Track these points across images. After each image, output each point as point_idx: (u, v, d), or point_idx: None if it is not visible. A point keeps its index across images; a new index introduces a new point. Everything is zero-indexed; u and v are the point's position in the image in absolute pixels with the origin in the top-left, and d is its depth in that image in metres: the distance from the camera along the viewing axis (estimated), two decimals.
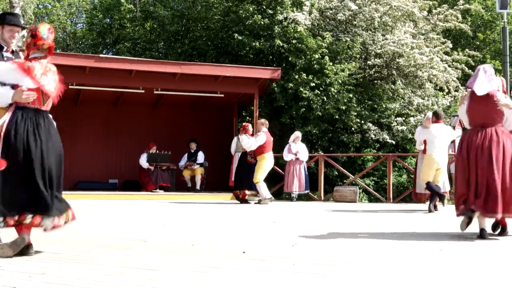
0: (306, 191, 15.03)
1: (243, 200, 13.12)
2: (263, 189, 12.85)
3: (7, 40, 5.06)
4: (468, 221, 6.27)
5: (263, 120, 13.46)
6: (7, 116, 4.63)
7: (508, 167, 6.15)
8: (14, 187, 4.54)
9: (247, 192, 13.06)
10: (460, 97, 17.29)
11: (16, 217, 4.51)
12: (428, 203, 10.96)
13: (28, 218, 4.52)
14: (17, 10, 18.76)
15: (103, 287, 3.51)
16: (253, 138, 13.04)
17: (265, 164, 12.88)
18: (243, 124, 13.83)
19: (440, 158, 10.58)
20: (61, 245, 5.14)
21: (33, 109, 4.74)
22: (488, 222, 6.44)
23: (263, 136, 12.87)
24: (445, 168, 10.91)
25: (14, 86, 4.68)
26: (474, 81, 6.44)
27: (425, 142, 10.79)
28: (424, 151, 10.81)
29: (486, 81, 6.40)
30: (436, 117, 10.84)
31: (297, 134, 15.03)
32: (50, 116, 4.91)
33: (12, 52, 5.14)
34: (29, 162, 4.60)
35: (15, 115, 4.65)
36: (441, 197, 10.59)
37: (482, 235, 6.24)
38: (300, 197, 15.25)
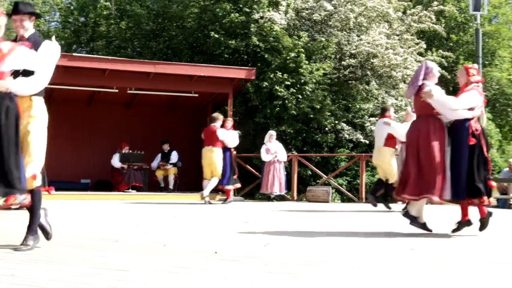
0: (285, 192, 15.03)
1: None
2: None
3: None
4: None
5: (230, 119, 13.48)
6: None
7: (423, 155, 6.48)
8: None
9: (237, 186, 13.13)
10: None
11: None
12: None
13: None
14: None
15: None
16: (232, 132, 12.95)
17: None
18: (224, 119, 13.59)
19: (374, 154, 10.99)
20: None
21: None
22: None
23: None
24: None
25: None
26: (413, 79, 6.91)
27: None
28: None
29: (416, 80, 6.73)
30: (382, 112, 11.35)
31: (271, 132, 15.01)
32: None
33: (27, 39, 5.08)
34: None
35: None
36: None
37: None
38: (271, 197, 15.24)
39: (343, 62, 19.62)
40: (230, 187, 13.04)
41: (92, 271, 4.05)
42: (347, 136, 18.62)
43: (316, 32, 19.80)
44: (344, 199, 16.92)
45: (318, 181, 17.32)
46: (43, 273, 3.94)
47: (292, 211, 11.14)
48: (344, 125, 18.70)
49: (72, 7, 27.28)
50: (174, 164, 16.61)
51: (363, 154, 16.39)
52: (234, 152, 13.26)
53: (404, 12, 21.59)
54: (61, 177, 16.25)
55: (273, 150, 14.64)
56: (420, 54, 20.95)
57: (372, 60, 19.28)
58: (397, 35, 20.75)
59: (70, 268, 4.13)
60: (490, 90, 27.26)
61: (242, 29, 19.23)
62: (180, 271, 4.10)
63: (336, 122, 18.51)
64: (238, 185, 13.39)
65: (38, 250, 4.92)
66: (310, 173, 17.57)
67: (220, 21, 19.57)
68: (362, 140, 18.59)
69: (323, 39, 19.12)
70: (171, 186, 16.47)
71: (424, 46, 21.04)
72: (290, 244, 5.70)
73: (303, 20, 20.23)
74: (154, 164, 16.79)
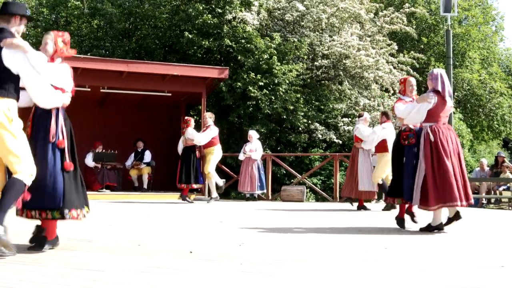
0: (263, 191, 15.03)
1: (183, 196, 13.00)
2: (214, 183, 12.83)
3: (20, 33, 4.95)
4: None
5: (209, 113, 13.46)
6: (61, 118, 4.97)
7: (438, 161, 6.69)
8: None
9: (194, 186, 12.99)
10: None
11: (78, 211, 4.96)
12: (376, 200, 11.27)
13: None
14: None
15: None
16: (206, 132, 12.93)
17: (215, 155, 12.91)
18: (185, 118, 13.70)
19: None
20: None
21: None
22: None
23: (215, 129, 12.90)
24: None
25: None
26: (442, 86, 6.89)
27: (385, 141, 10.97)
28: (381, 150, 10.98)
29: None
30: (387, 117, 11.12)
31: (249, 133, 15.04)
32: None
33: None
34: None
35: (63, 116, 5.03)
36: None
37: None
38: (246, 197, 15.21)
39: (315, 63, 19.69)
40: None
41: (65, 271, 4.00)
42: (320, 136, 18.69)
43: (288, 33, 19.84)
44: (319, 198, 16.98)
45: (292, 180, 17.35)
46: (14, 273, 3.88)
47: (267, 210, 11.14)
48: (318, 125, 18.77)
49: (42, 5, 26.96)
50: (148, 164, 16.53)
51: (337, 153, 16.45)
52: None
53: (376, 14, 21.75)
54: None
55: (248, 149, 14.67)
56: (392, 55, 21.11)
57: (344, 61, 19.37)
58: (369, 36, 20.89)
59: (42, 269, 4.08)
60: (461, 91, 27.61)
61: (215, 29, 19.21)
62: (155, 271, 4.08)
63: (310, 122, 18.57)
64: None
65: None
66: (284, 172, 17.60)
67: (193, 21, 19.52)
68: (336, 140, 18.67)
69: (296, 39, 19.16)
70: (145, 186, 16.40)
71: (396, 47, 21.20)
72: (265, 244, 5.70)
73: (276, 21, 20.27)
74: (128, 163, 16.70)
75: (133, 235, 6.32)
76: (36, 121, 4.97)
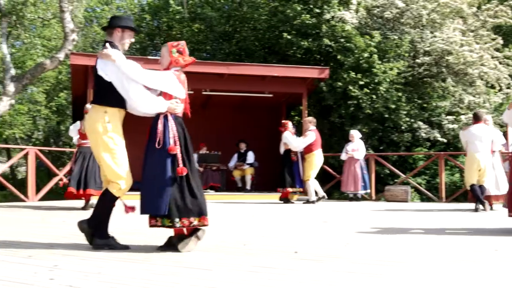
0: (366, 191, 14.86)
1: (285, 199, 13.11)
2: (312, 189, 12.84)
3: (125, 45, 5.19)
4: None
5: (310, 118, 13.47)
6: (171, 124, 5.06)
7: None
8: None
9: (289, 190, 13.03)
10: None
11: (190, 220, 4.93)
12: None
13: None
14: (67, 14, 19.10)
15: (157, 286, 3.53)
16: (301, 138, 13.03)
17: (315, 161, 12.89)
18: (282, 121, 13.75)
19: (481, 159, 10.46)
20: None
21: (180, 117, 5.19)
22: None
23: (312, 135, 12.88)
24: (490, 168, 10.72)
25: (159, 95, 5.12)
26: None
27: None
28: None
29: None
30: (475, 119, 10.78)
31: (351, 132, 14.93)
32: None
33: None
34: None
35: (174, 122, 5.10)
36: (482, 203, 10.46)
37: None
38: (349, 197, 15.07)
39: (417, 60, 19.25)
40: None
41: (174, 270, 4.09)
42: (424, 135, 18.26)
43: (388, 30, 19.51)
44: (424, 198, 16.61)
45: (396, 180, 17.06)
46: (128, 271, 4.01)
47: (371, 210, 11.02)
48: (421, 123, 18.36)
49: (145, 11, 27.78)
50: (251, 164, 16.68)
51: (442, 152, 16.06)
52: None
53: (478, 7, 21.00)
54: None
55: (350, 149, 14.55)
56: (497, 50, 20.33)
57: (447, 58, 18.83)
58: (472, 31, 20.20)
59: (153, 267, 4.19)
60: None
61: (314, 29, 19.18)
62: (261, 270, 4.10)
63: (412, 121, 18.19)
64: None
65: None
66: (388, 172, 17.33)
67: (291, 22, 19.57)
68: (440, 139, 18.18)
69: (396, 37, 18.84)
70: (248, 186, 16.54)
71: (501, 42, 20.38)
72: (371, 244, 5.63)
73: (375, 18, 19.97)
74: (231, 164, 16.90)
75: (238, 235, 6.38)
76: (151, 128, 5.11)
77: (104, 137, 4.94)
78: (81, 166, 10.51)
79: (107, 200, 4.99)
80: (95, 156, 5.20)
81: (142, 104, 4.99)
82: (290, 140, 12.98)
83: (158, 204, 4.89)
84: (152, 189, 4.93)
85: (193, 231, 5.04)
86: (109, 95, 4.98)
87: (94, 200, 10.65)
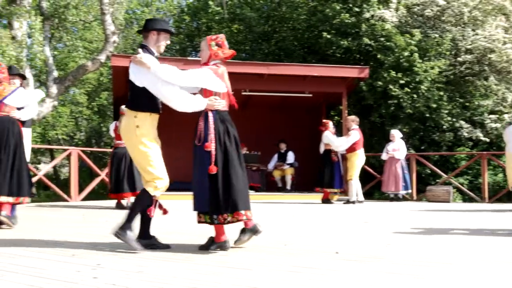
0: (407, 191, 14.71)
1: (326, 200, 13.06)
2: (354, 189, 12.78)
3: (160, 47, 5.24)
4: None
5: (353, 117, 13.38)
6: (210, 121, 5.06)
7: None
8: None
9: (329, 190, 12.99)
10: None
11: (224, 216, 4.96)
12: None
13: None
14: (108, 17, 19.34)
15: (199, 285, 3.54)
16: (345, 138, 12.97)
17: (357, 161, 12.83)
18: (323, 121, 13.68)
19: None
20: None
21: (224, 112, 5.18)
22: None
23: (356, 134, 12.81)
24: None
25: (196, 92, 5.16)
26: None
27: None
28: None
29: None
30: None
31: (392, 132, 14.80)
32: None
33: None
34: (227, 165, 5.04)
35: (213, 119, 5.08)
36: None
37: None
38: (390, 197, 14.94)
39: (458, 58, 19.00)
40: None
41: (216, 269, 4.10)
42: (466, 134, 18.03)
43: (429, 28, 19.31)
44: (466, 199, 16.39)
45: (437, 180, 16.87)
46: (169, 270, 4.05)
47: (412, 210, 10.92)
48: (463, 123, 18.12)
49: (184, 13, 27.98)
50: (291, 165, 16.65)
51: (484, 152, 15.84)
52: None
53: None
54: (187, 178, 16.55)
55: (391, 148, 14.42)
56: None
57: (489, 56, 18.55)
58: None
59: (195, 266, 4.21)
60: None
61: (353, 29, 19.09)
62: (302, 270, 4.09)
63: (454, 120, 17.97)
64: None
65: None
66: (429, 172, 17.15)
67: (330, 21, 19.51)
68: (483, 138, 17.92)
69: (437, 35, 18.63)
70: (288, 186, 16.52)
71: None
72: (413, 245, 5.57)
73: (415, 16, 19.78)
74: (271, 164, 16.91)
75: (279, 235, 6.37)
76: (195, 126, 5.15)
77: (135, 141, 5.00)
78: (116, 168, 10.68)
79: (143, 199, 5.03)
80: (131, 157, 5.27)
81: (180, 104, 5.01)
82: (332, 140, 12.91)
83: (199, 200, 4.98)
84: (196, 186, 5.01)
85: (248, 228, 5.17)
86: (139, 100, 5.03)
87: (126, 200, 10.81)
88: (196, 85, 5.10)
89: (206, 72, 5.11)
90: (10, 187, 6.79)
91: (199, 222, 5.12)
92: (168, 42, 5.33)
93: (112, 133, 11.48)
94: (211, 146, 4.98)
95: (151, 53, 5.10)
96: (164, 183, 5.05)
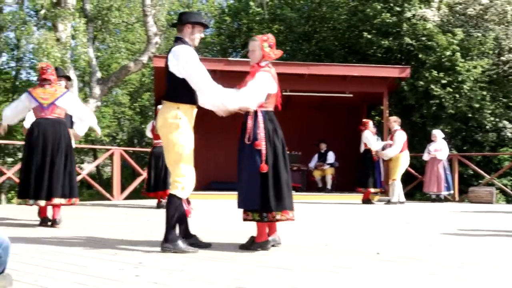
0: (449, 192, 14.53)
1: (366, 200, 12.99)
2: (397, 190, 12.70)
3: (195, 40, 5.29)
4: None
5: (395, 118, 13.28)
6: (259, 120, 5.10)
7: None
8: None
9: (372, 190, 12.91)
10: None
11: (273, 214, 5.02)
12: None
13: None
14: (150, 18, 19.54)
15: (240, 285, 3.58)
16: (393, 143, 12.80)
17: (402, 162, 12.75)
18: (363, 120, 13.59)
19: None
20: None
21: (272, 112, 5.25)
22: None
23: (402, 135, 12.76)
24: None
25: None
26: None
27: None
28: None
29: None
30: None
31: (433, 132, 14.64)
32: None
33: None
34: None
35: (263, 118, 5.14)
36: None
37: None
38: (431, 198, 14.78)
39: (502, 58, 18.73)
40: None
41: (256, 269, 4.13)
42: (509, 134, 17.76)
43: (471, 27, 19.06)
44: (510, 200, 16.16)
45: (480, 181, 16.65)
46: (211, 269, 4.09)
47: (454, 212, 10.80)
48: (506, 123, 17.86)
49: (225, 14, 28.10)
50: (331, 165, 16.60)
51: None
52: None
53: None
54: (227, 178, 16.64)
55: (433, 149, 14.26)
56: None
57: None
58: None
59: (235, 266, 4.25)
60: None
61: (394, 28, 18.96)
62: (342, 271, 4.09)
63: (497, 120, 17.71)
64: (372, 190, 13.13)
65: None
66: (472, 173, 16.93)
67: (371, 21, 19.41)
68: None
69: (480, 34, 18.38)
70: (329, 186, 16.46)
71: None
72: (455, 246, 5.52)
73: (457, 15, 19.55)
74: (311, 164, 16.88)
75: (319, 236, 6.38)
76: (242, 124, 5.19)
77: (175, 133, 4.97)
78: (154, 169, 10.79)
79: (175, 203, 4.97)
80: (164, 151, 5.17)
81: (214, 97, 5.05)
82: (370, 141, 12.82)
83: (248, 198, 5.00)
84: (245, 183, 5.03)
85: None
86: (181, 92, 5.03)
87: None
88: (266, 93, 5.16)
89: (266, 77, 5.16)
90: (63, 189, 6.92)
91: (245, 220, 5.14)
92: (202, 35, 5.35)
93: (149, 134, 11.52)
94: (262, 144, 5.02)
95: (188, 44, 5.15)
96: (192, 184, 5.06)
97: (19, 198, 6.96)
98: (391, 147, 12.79)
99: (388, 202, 12.88)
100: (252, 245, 5.10)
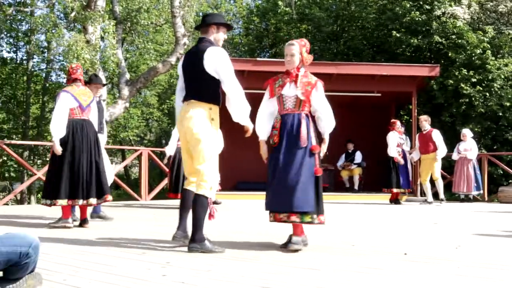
0: (479, 192, 14.37)
1: (394, 200, 12.92)
2: (430, 189, 12.70)
3: (219, 41, 5.31)
4: None
5: (425, 117, 13.21)
6: (311, 123, 5.30)
7: None
8: None
9: (394, 190, 12.84)
10: None
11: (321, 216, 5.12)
12: None
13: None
14: (178, 19, 19.61)
15: (267, 285, 3.57)
16: (441, 145, 12.76)
17: (437, 162, 12.70)
18: (391, 121, 13.52)
19: None
20: (225, 245, 5.27)
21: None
22: None
23: (439, 133, 12.74)
24: None
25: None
26: None
27: None
28: None
29: None
30: None
31: (463, 131, 14.49)
32: None
33: None
34: None
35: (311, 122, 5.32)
36: None
37: None
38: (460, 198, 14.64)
39: None
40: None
41: (283, 269, 4.12)
42: None
43: (502, 25, 18.87)
44: None
45: (510, 181, 16.45)
46: (237, 269, 4.09)
47: (483, 212, 10.68)
48: None
49: (253, 14, 28.12)
50: (359, 164, 16.53)
51: None
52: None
53: None
54: (255, 178, 16.67)
55: (462, 148, 14.13)
56: None
57: None
58: None
59: (262, 266, 4.24)
60: None
61: (424, 26, 18.82)
62: (369, 271, 4.07)
63: None
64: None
65: (231, 248, 5.11)
66: (502, 172, 16.73)
67: (400, 20, 19.29)
68: None
69: (511, 31, 18.16)
70: (356, 186, 16.41)
71: None
72: (484, 247, 5.46)
73: (488, 13, 19.36)
74: (339, 164, 16.83)
75: (347, 236, 6.35)
76: (284, 127, 5.22)
77: (207, 133, 4.96)
78: (177, 168, 10.78)
79: (203, 203, 4.91)
80: (192, 150, 5.06)
81: (242, 105, 5.11)
82: (389, 143, 12.80)
83: (303, 201, 4.98)
84: (298, 186, 4.99)
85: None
86: (214, 93, 5.05)
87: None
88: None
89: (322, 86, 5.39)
90: (97, 189, 6.98)
91: (282, 221, 5.14)
92: (226, 36, 5.38)
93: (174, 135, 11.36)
94: (318, 148, 5.14)
95: (213, 44, 5.15)
96: (217, 184, 5.11)
97: (55, 199, 6.90)
98: (438, 149, 12.72)
99: (425, 201, 12.83)
100: (297, 243, 5.08)
